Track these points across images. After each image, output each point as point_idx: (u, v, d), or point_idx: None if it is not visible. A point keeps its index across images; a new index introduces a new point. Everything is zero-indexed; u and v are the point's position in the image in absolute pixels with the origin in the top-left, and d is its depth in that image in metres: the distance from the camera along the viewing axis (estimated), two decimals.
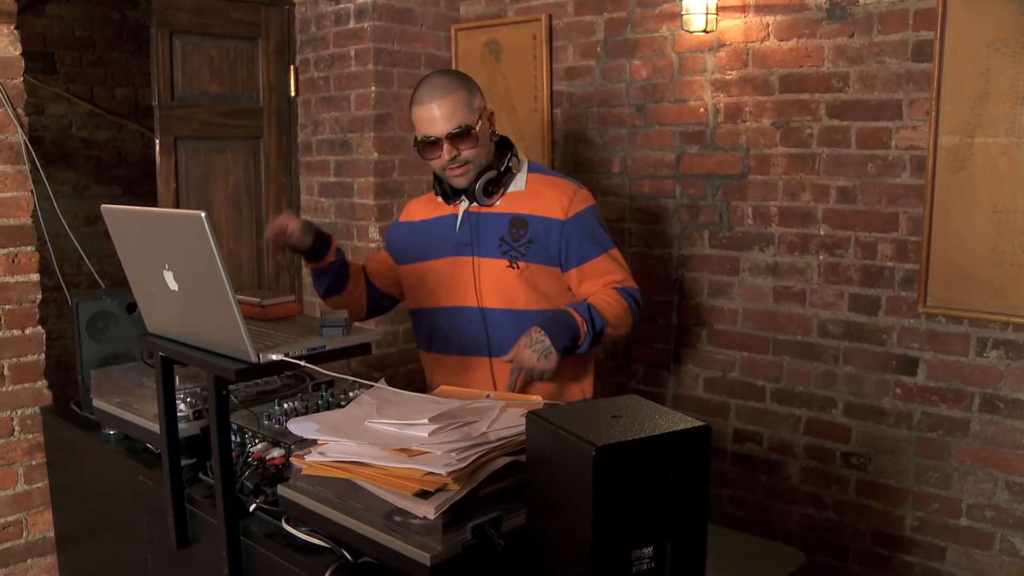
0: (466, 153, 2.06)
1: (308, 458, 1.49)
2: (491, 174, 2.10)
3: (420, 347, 2.32)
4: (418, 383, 3.49)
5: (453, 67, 3.59)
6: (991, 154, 2.45)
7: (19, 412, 2.63)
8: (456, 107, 2.03)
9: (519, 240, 2.11)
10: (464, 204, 2.16)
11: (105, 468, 2.18)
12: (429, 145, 2.06)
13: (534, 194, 2.14)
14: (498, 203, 2.14)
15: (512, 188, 2.15)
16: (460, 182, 2.10)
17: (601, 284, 2.12)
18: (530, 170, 2.18)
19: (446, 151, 2.04)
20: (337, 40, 3.47)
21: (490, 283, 2.13)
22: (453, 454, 1.38)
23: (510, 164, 2.13)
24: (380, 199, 3.44)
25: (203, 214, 1.42)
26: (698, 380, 3.17)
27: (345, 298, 2.25)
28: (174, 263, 1.57)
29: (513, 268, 2.11)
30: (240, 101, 3.52)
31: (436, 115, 2.03)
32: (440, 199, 2.20)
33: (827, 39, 2.75)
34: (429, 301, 2.23)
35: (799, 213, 2.87)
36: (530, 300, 2.12)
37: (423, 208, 2.29)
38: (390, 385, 1.76)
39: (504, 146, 2.17)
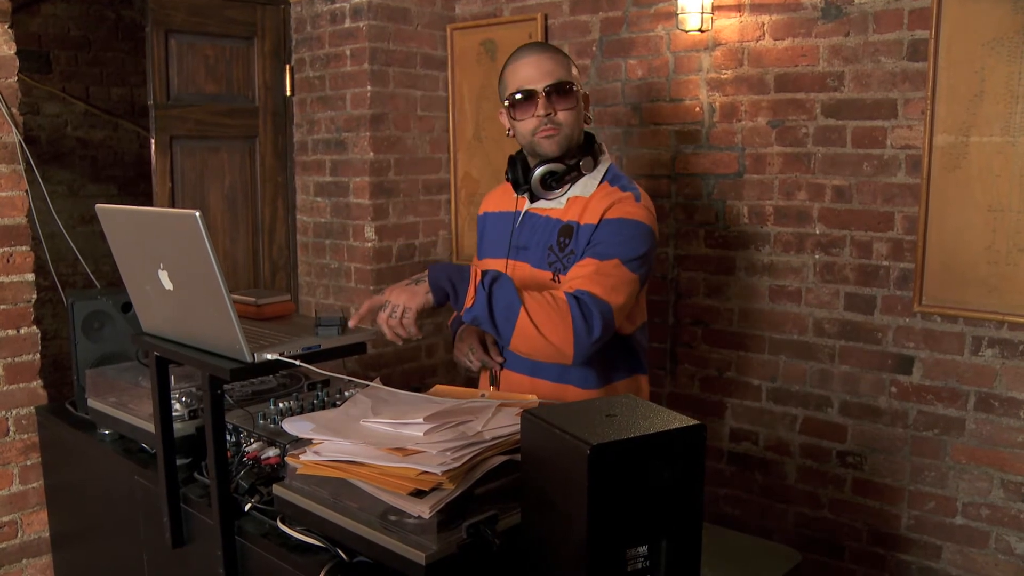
0: (561, 115, 1.88)
1: (303, 457, 1.49)
2: (555, 166, 1.91)
3: None
4: (413, 382, 3.49)
5: (448, 66, 3.59)
6: (986, 153, 2.45)
7: (14, 412, 2.63)
8: (558, 65, 1.89)
9: (564, 250, 1.91)
10: (527, 203, 2.00)
11: (100, 468, 2.18)
12: (522, 101, 1.89)
13: (590, 200, 1.92)
14: (560, 207, 1.94)
15: (579, 192, 1.94)
16: (550, 145, 1.89)
17: (568, 283, 1.83)
18: (605, 177, 1.96)
19: (541, 106, 1.87)
20: (333, 39, 3.47)
21: None
22: (448, 453, 1.38)
23: (581, 163, 1.93)
24: (376, 198, 3.43)
25: (198, 213, 1.42)
26: (694, 379, 3.17)
27: None
28: (169, 263, 1.57)
29: (557, 282, 1.90)
30: (236, 100, 3.51)
31: (536, 68, 1.88)
32: (511, 187, 2.02)
33: (822, 38, 2.75)
34: None
35: (795, 212, 2.87)
36: None
37: (496, 199, 2.13)
38: (385, 384, 1.76)
39: (586, 144, 1.97)
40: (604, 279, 1.78)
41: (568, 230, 1.91)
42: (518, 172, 1.97)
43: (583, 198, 1.93)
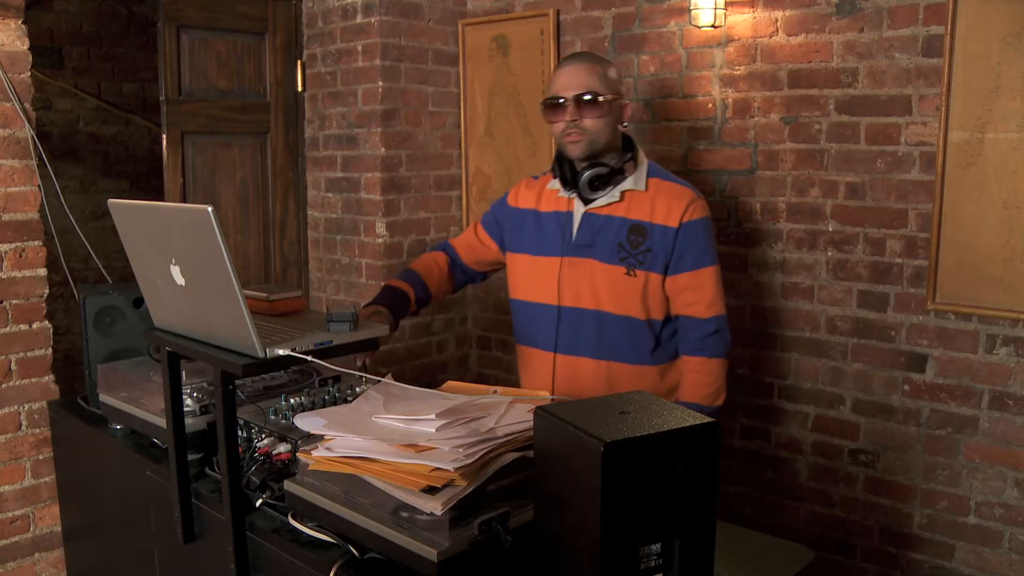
0: (587, 122, 2.07)
1: (315, 453, 1.49)
2: (600, 170, 2.10)
3: (516, 339, 2.35)
4: (425, 378, 3.49)
5: (460, 62, 3.59)
6: (1002, 150, 2.43)
7: (26, 406, 2.64)
8: (590, 75, 2.07)
9: (638, 248, 2.09)
10: (579, 205, 2.15)
11: (112, 463, 2.18)
12: (554, 106, 2.09)
13: (654, 199, 2.11)
14: (616, 199, 2.12)
15: (631, 186, 2.12)
16: (573, 150, 2.10)
17: (690, 303, 2.11)
18: (650, 173, 2.16)
19: (568, 112, 2.07)
20: (344, 35, 3.47)
21: (606, 288, 2.12)
22: (460, 450, 1.37)
23: (624, 166, 2.12)
24: (387, 194, 3.43)
25: (210, 208, 1.42)
26: None
27: (433, 300, 2.40)
28: (181, 258, 1.57)
29: (631, 276, 2.10)
30: (247, 96, 3.52)
31: (569, 77, 2.08)
32: (557, 186, 2.19)
33: (836, 34, 2.73)
34: (534, 296, 2.23)
35: (807, 209, 2.85)
36: (641, 308, 2.12)
37: (535, 196, 2.27)
38: (397, 380, 1.76)
39: (626, 146, 2.16)
40: (715, 292, 2.12)
41: (640, 229, 2.10)
42: (565, 171, 2.15)
43: (639, 192, 2.12)
